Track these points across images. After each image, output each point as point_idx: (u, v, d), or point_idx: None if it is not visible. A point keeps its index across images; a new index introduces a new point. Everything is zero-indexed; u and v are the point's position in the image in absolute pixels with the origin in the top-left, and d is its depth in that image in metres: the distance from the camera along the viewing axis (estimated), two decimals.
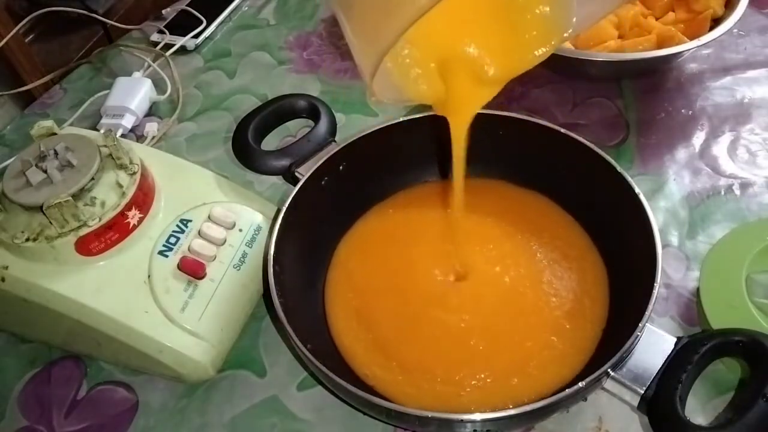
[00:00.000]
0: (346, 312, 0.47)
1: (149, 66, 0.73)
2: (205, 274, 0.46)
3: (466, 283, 0.47)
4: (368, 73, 0.33)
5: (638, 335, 0.38)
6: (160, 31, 0.78)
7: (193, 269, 0.45)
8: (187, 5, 0.80)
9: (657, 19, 0.64)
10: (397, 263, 0.49)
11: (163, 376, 0.47)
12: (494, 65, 0.38)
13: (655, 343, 0.39)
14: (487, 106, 0.41)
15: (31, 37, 1.08)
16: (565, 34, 0.37)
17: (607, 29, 0.62)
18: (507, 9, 0.37)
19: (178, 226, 0.47)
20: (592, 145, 0.47)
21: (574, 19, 0.37)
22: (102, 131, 0.52)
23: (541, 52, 0.38)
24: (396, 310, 0.46)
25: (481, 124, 0.51)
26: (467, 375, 0.42)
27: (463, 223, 0.50)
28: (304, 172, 0.49)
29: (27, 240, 0.42)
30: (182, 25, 0.78)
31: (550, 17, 0.37)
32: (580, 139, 0.47)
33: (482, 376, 0.42)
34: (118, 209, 0.44)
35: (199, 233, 0.47)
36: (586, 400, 0.41)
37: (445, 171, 0.54)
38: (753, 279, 0.44)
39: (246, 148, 0.54)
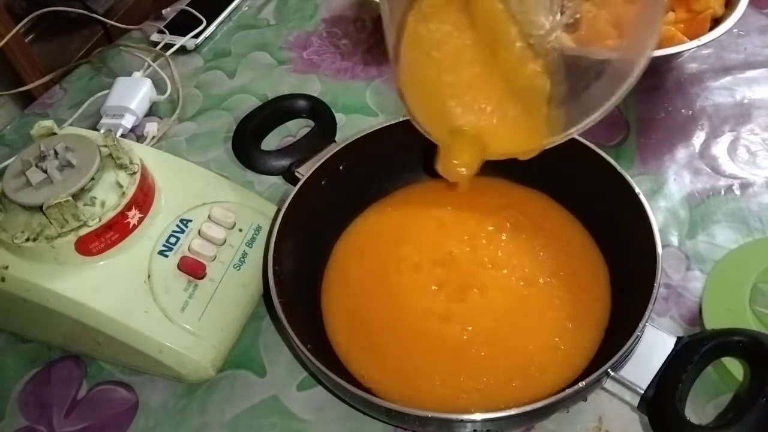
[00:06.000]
0: (340, 312, 0.47)
1: (149, 66, 0.73)
2: (205, 274, 0.46)
3: (468, 289, 0.46)
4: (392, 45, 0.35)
5: (638, 335, 0.38)
6: (160, 31, 0.78)
7: (193, 269, 0.45)
8: (187, 5, 0.80)
9: None
10: (393, 265, 0.48)
11: (163, 376, 0.47)
12: (497, 145, 0.42)
13: (655, 343, 0.39)
14: None
15: (31, 37, 1.07)
16: (557, 138, 0.40)
17: (607, 29, 0.61)
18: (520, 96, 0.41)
19: (178, 226, 0.47)
20: (592, 145, 0.47)
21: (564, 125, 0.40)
22: (102, 131, 0.52)
23: (534, 147, 0.41)
24: (391, 316, 0.46)
25: None
26: (467, 380, 0.42)
27: (463, 222, 0.50)
28: (304, 172, 0.49)
29: (27, 240, 0.42)
30: (182, 25, 0.78)
31: (548, 117, 0.40)
32: (580, 139, 0.47)
33: (483, 380, 0.42)
34: (118, 209, 0.44)
35: (199, 233, 0.47)
36: (586, 400, 0.41)
37: None
38: (759, 288, 0.44)
39: (246, 148, 0.54)
